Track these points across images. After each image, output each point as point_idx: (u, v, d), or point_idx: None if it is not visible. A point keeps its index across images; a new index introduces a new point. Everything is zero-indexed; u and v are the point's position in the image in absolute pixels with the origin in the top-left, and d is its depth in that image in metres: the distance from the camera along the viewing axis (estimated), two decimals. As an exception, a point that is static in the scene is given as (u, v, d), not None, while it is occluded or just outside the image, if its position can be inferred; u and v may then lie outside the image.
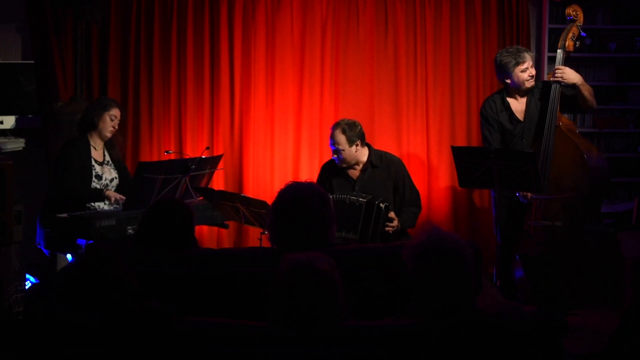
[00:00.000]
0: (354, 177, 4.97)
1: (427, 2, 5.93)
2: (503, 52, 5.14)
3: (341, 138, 4.86)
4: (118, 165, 5.10)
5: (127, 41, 5.83)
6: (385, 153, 5.11)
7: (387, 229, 4.73)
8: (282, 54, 5.90)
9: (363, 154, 4.96)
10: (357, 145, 4.88)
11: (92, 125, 4.97)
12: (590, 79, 6.18)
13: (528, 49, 5.24)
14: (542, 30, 6.04)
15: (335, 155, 4.92)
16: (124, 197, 4.79)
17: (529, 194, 4.95)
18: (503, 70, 5.13)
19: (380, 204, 4.69)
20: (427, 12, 5.93)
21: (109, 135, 5.00)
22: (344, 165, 4.95)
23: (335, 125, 4.93)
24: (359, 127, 4.92)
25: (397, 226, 4.78)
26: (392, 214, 4.78)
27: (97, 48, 5.83)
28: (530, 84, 5.11)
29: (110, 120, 4.96)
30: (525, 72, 5.08)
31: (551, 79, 5.05)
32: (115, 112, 4.98)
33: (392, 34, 5.93)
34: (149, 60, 5.85)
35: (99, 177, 4.94)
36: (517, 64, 5.07)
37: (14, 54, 5.97)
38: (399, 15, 5.92)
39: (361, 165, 4.96)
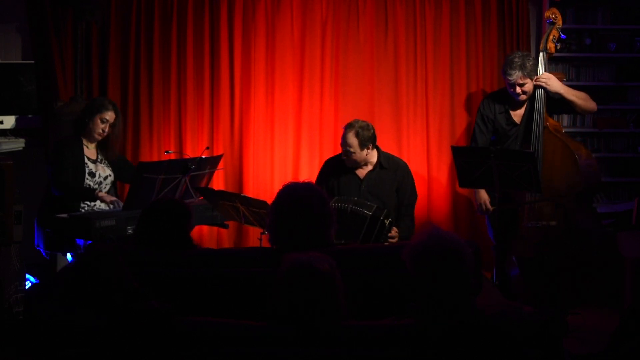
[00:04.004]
0: (361, 176, 4.97)
1: (427, 2, 5.93)
2: (509, 56, 5.10)
3: (354, 141, 4.82)
4: (114, 164, 5.05)
5: (127, 41, 5.83)
6: (392, 156, 5.11)
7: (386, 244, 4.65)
8: (282, 54, 5.89)
9: (373, 156, 4.94)
10: (368, 148, 4.86)
11: (83, 125, 4.94)
12: (590, 79, 6.18)
13: (525, 61, 5.02)
14: (542, 30, 6.02)
15: (344, 157, 4.90)
16: (115, 198, 4.78)
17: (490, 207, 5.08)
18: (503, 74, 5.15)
19: (385, 220, 4.62)
20: (427, 12, 5.92)
21: (97, 137, 4.91)
22: (352, 166, 4.94)
23: (349, 127, 4.86)
24: (372, 131, 4.88)
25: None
26: (394, 231, 4.72)
27: (97, 48, 5.83)
28: (520, 98, 5.10)
29: (101, 123, 4.85)
30: (511, 87, 5.06)
31: (535, 82, 5.05)
32: (108, 115, 4.87)
33: (392, 34, 5.92)
34: (149, 60, 5.84)
35: (93, 175, 4.90)
36: (504, 74, 5.06)
37: (14, 54, 5.97)
38: (399, 15, 5.91)
39: (370, 166, 4.96)
